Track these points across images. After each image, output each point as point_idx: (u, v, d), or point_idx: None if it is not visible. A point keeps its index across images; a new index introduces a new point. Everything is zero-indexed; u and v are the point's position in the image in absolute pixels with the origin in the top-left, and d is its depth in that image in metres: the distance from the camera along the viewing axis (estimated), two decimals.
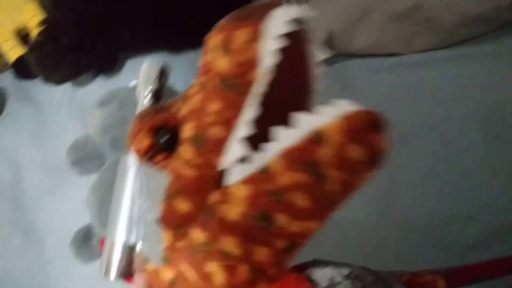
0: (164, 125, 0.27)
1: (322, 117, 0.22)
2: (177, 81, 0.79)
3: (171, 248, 0.26)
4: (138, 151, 0.27)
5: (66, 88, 0.86)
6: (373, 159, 0.22)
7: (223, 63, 0.24)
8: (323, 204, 0.24)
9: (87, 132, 0.69)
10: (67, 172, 0.82)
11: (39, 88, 0.90)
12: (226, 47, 0.24)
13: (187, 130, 0.26)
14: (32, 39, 0.78)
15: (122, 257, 0.29)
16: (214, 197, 0.25)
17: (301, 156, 0.23)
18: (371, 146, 0.22)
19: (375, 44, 0.61)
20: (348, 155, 0.22)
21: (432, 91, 0.60)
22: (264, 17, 0.24)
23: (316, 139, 0.22)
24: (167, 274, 0.27)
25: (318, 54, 0.27)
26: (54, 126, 0.88)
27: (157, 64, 0.31)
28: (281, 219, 0.24)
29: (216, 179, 0.25)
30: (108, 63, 0.80)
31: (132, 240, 0.29)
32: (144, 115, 0.28)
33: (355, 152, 0.22)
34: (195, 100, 0.26)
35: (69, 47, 0.73)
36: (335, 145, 0.22)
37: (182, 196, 0.25)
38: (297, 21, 0.24)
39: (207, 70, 0.25)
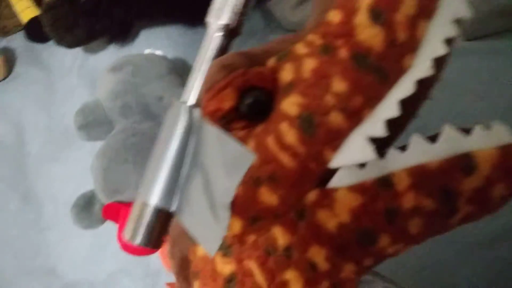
0: (258, 86, 0.21)
1: (475, 141, 0.18)
2: (191, 57, 0.78)
3: (238, 240, 0.22)
4: (215, 111, 0.22)
5: (77, 54, 0.85)
6: (508, 200, 0.19)
7: (372, 35, 0.18)
8: (433, 233, 0.20)
9: (98, 97, 0.68)
10: (72, 139, 0.81)
11: (50, 52, 0.89)
12: (380, 14, 0.18)
13: (290, 104, 0.20)
14: (48, 0, 0.77)
15: (153, 222, 0.24)
16: (311, 197, 0.20)
17: (439, 181, 0.19)
18: None
19: None
20: (490, 193, 0.19)
21: (453, 83, 0.58)
22: None
23: (465, 166, 0.18)
24: (226, 268, 0.22)
25: None
26: (62, 92, 0.87)
27: None
28: (385, 241, 0.20)
29: (321, 176, 0.20)
30: (122, 31, 0.78)
31: (169, 207, 0.24)
32: (233, 65, 0.22)
33: (498, 191, 0.19)
34: (307, 66, 0.20)
35: (85, 10, 0.72)
36: (483, 179, 0.18)
37: (272, 186, 0.20)
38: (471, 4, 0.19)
39: (341, 32, 0.19)
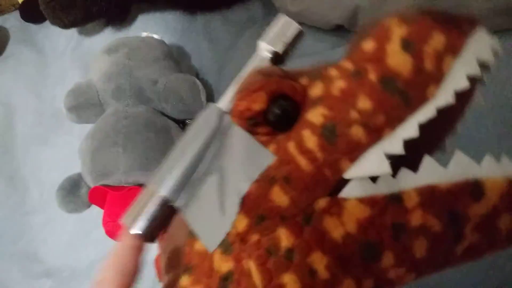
0: (288, 96, 0.22)
1: (485, 169, 0.20)
2: (188, 43, 0.77)
3: (240, 238, 0.21)
4: (244, 110, 0.22)
5: (71, 36, 0.84)
6: None
7: (401, 61, 0.20)
8: (436, 262, 0.20)
9: (90, 78, 0.66)
10: (61, 122, 0.79)
11: (44, 34, 0.87)
12: (410, 45, 0.20)
13: (315, 115, 0.21)
14: None
15: (157, 213, 0.24)
16: (321, 203, 0.20)
17: (447, 202, 0.19)
18: None
19: None
20: (497, 222, 0.20)
21: None
22: (470, 32, 0.20)
23: (474, 191, 0.19)
24: (223, 265, 0.21)
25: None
26: (54, 74, 0.85)
27: (297, 25, 0.26)
28: (388, 259, 0.20)
29: (333, 185, 0.20)
30: (119, 13, 0.77)
31: (175, 201, 0.24)
32: (270, 73, 0.23)
33: (505, 222, 0.20)
34: (337, 85, 0.21)
35: None
36: (491, 206, 0.19)
37: (286, 187, 0.21)
38: (494, 53, 0.21)
39: (372, 57, 0.21)
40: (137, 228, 0.24)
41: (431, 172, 0.20)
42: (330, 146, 0.20)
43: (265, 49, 0.26)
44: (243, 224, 0.21)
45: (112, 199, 0.59)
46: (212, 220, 0.22)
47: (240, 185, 0.22)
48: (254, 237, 0.21)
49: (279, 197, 0.21)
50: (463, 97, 0.20)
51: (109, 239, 0.62)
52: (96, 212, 0.64)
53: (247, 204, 0.21)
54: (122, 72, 0.63)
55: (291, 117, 0.22)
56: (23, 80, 0.87)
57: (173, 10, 0.77)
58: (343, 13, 0.61)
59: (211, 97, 0.68)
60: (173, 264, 0.24)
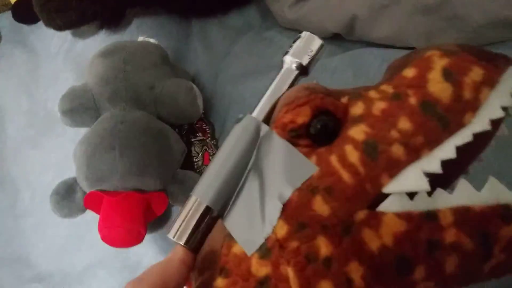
0: (330, 112, 0.24)
1: None
2: (184, 48, 0.77)
3: (279, 244, 0.22)
4: (288, 122, 0.24)
5: (65, 37, 0.83)
6: None
7: (441, 88, 0.22)
8: (464, 279, 0.21)
9: (86, 81, 0.66)
10: (53, 124, 0.78)
11: (37, 35, 0.86)
12: (451, 75, 0.22)
13: (357, 132, 0.23)
14: None
15: (201, 224, 0.25)
16: (360, 215, 0.21)
17: (480, 223, 0.21)
18: None
19: (396, 35, 0.60)
20: None
21: None
22: (504, 68, 0.22)
23: (505, 215, 0.21)
24: (261, 270, 0.22)
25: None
26: (47, 76, 0.84)
27: (320, 39, 0.29)
28: (420, 273, 0.21)
29: (373, 199, 0.22)
30: (114, 17, 0.76)
31: (219, 210, 0.25)
32: (314, 89, 0.24)
33: None
34: (377, 106, 0.23)
35: None
36: None
37: (327, 197, 0.22)
38: None
39: (414, 83, 0.23)
40: (184, 240, 0.25)
41: (465, 194, 0.21)
42: (371, 161, 0.22)
43: (291, 63, 0.28)
44: (283, 230, 0.22)
45: (108, 204, 0.59)
46: (252, 223, 0.23)
47: (283, 191, 0.23)
48: (294, 244, 0.22)
49: (321, 206, 0.22)
50: (493, 126, 0.22)
51: (104, 243, 0.62)
52: (89, 216, 0.63)
53: (288, 211, 0.22)
54: (118, 76, 0.62)
55: (331, 132, 0.23)
56: (15, 81, 0.86)
57: (169, 15, 0.76)
58: (340, 21, 0.61)
59: (207, 102, 0.68)
60: (208, 266, 0.24)
